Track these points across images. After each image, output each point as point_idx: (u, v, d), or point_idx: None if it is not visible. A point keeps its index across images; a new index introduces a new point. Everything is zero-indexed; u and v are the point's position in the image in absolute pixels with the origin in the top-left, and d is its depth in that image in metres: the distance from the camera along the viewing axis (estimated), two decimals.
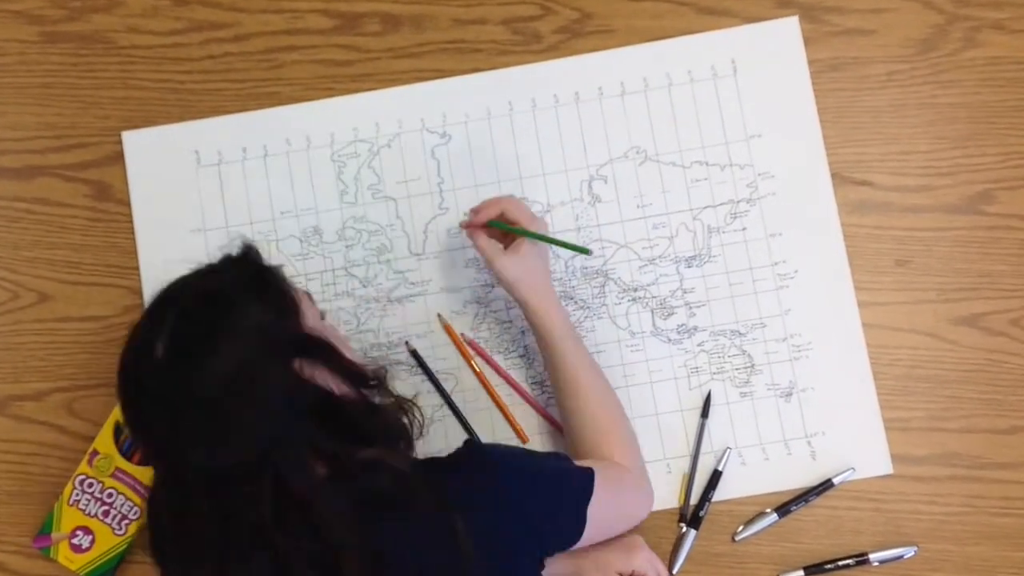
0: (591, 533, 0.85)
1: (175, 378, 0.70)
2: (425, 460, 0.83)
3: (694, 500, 1.00)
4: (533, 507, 0.80)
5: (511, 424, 1.03)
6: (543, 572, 0.84)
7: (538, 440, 1.03)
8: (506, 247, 0.95)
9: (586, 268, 1.05)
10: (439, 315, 1.05)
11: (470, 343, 1.04)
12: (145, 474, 1.00)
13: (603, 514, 0.86)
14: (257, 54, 1.09)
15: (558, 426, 1.01)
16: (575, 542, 0.84)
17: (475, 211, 0.96)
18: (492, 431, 1.03)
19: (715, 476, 1.00)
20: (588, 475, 0.86)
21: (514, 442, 1.03)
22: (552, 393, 1.01)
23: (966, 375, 1.02)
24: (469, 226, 0.95)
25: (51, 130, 1.09)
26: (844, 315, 1.03)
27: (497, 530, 0.77)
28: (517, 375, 1.04)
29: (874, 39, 1.07)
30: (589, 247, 1.01)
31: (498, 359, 1.04)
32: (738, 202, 1.05)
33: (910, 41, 1.06)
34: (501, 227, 0.95)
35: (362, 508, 0.74)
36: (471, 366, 1.04)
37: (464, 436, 1.03)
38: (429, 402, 1.03)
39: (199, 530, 0.72)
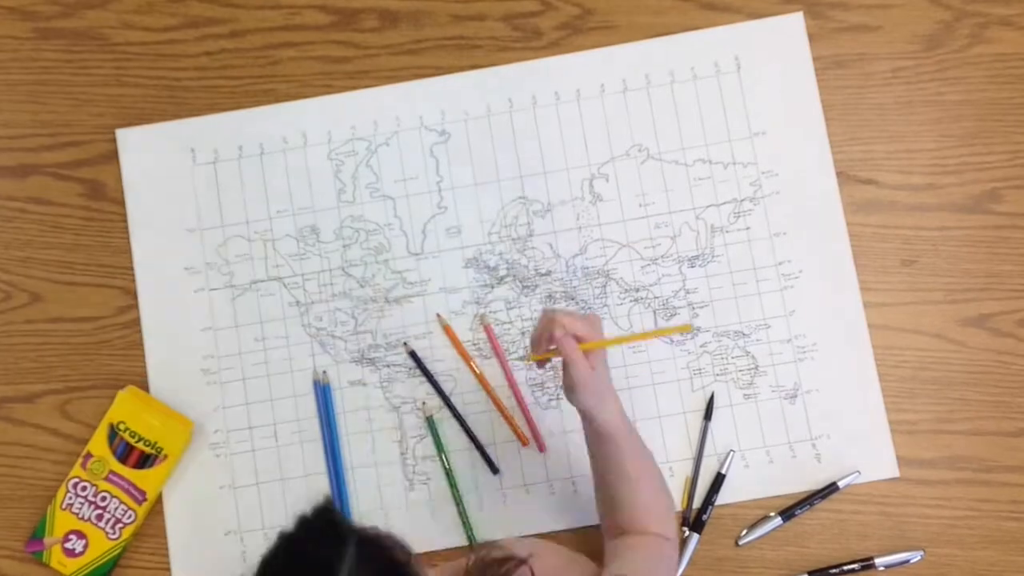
0: None
1: None
2: None
3: (697, 504, 1.00)
4: None
5: (511, 427, 1.02)
6: None
7: (535, 443, 1.02)
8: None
9: (587, 268, 1.04)
10: (438, 315, 1.04)
11: (485, 327, 1.03)
12: (139, 477, 0.99)
13: None
14: (253, 51, 1.08)
15: (540, 444, 1.01)
16: None
17: (536, 342, 0.84)
18: (492, 433, 1.02)
19: (718, 479, 0.99)
20: None
21: (513, 445, 1.02)
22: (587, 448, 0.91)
23: (973, 377, 1.01)
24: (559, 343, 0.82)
25: (44, 128, 1.08)
26: (849, 316, 1.02)
27: None
28: (517, 377, 1.03)
29: (879, 35, 1.06)
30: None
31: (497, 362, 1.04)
32: (741, 201, 1.04)
33: (916, 37, 1.06)
34: (591, 346, 0.82)
35: None
36: (471, 367, 1.03)
37: (464, 439, 1.02)
38: (430, 405, 1.03)
39: None
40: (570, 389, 0.83)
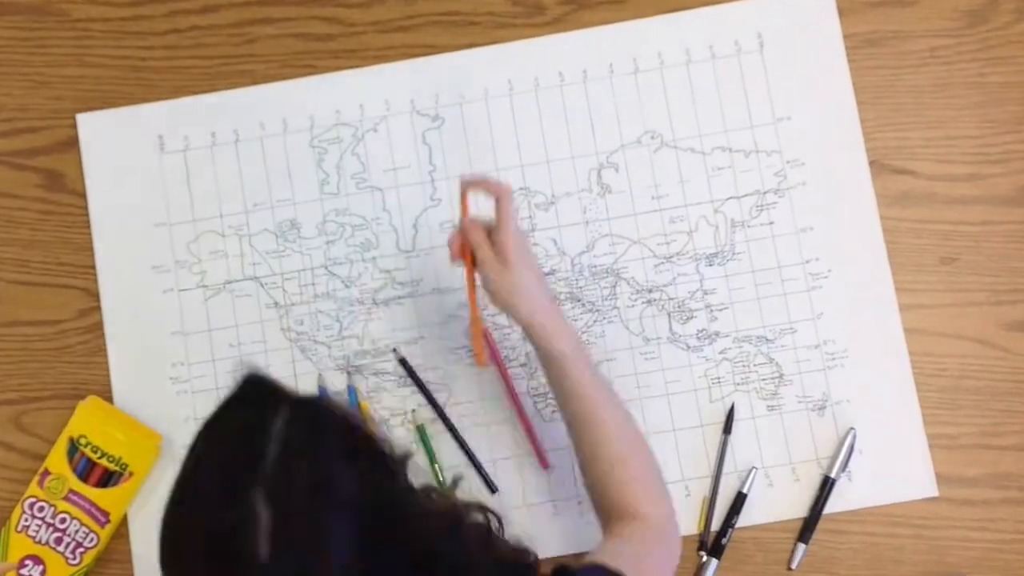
0: None
1: None
2: None
3: (715, 526, 0.99)
4: None
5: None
6: None
7: (537, 459, 1.00)
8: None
9: (595, 267, 1.03)
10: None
11: (485, 332, 1.02)
12: (102, 496, 0.98)
13: None
14: (227, 27, 1.07)
15: (543, 460, 1.00)
16: None
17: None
18: (490, 449, 1.01)
19: (739, 499, 0.98)
20: None
21: (511, 461, 1.01)
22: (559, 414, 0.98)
23: (1020, 386, 1.00)
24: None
25: None
26: (883, 319, 1.01)
27: None
28: (518, 385, 1.02)
29: (916, 11, 1.05)
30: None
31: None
32: (765, 193, 1.04)
33: (956, 13, 1.05)
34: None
35: None
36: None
37: (459, 454, 1.01)
38: (422, 416, 1.02)
39: None
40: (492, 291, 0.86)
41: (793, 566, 0.98)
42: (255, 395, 0.66)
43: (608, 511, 0.88)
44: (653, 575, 0.84)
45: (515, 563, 0.80)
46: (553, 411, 1.01)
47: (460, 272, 1.03)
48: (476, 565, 0.73)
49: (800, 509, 0.99)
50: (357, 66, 1.06)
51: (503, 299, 0.86)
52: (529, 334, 0.87)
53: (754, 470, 0.99)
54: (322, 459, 0.64)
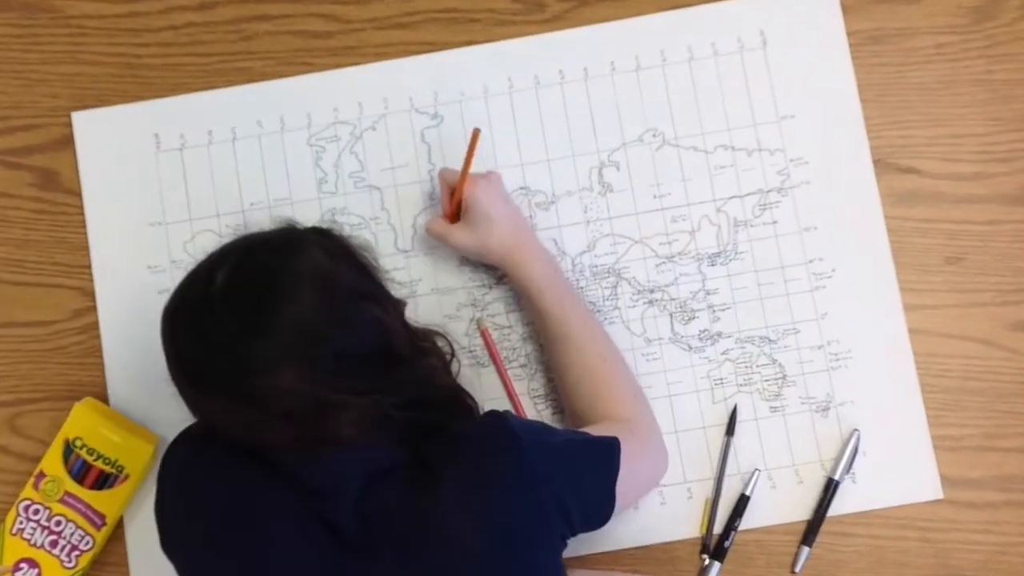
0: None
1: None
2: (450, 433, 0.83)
3: (718, 529, 0.99)
4: (560, 486, 0.80)
5: None
6: None
7: None
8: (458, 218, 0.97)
9: (596, 266, 1.03)
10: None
11: (482, 332, 1.02)
12: (97, 499, 0.98)
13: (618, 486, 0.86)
14: (224, 24, 1.07)
15: None
16: (606, 520, 0.85)
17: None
18: None
19: (742, 501, 0.98)
20: (613, 446, 0.85)
21: None
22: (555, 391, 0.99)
23: None
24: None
25: None
26: (888, 320, 1.01)
27: (521, 510, 0.79)
28: (518, 387, 1.01)
29: (921, 7, 1.05)
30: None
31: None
32: (768, 192, 1.03)
33: (962, 10, 1.05)
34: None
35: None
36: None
37: None
38: None
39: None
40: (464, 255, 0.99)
41: (796, 569, 0.98)
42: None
43: (588, 424, 0.91)
44: (628, 479, 0.85)
45: (460, 396, 0.89)
46: (554, 412, 1.01)
47: (459, 272, 1.03)
48: (429, 379, 0.84)
49: (803, 511, 0.99)
50: (355, 64, 1.06)
51: (472, 254, 0.98)
52: (501, 269, 0.98)
53: (757, 472, 0.99)
54: (295, 235, 0.80)
